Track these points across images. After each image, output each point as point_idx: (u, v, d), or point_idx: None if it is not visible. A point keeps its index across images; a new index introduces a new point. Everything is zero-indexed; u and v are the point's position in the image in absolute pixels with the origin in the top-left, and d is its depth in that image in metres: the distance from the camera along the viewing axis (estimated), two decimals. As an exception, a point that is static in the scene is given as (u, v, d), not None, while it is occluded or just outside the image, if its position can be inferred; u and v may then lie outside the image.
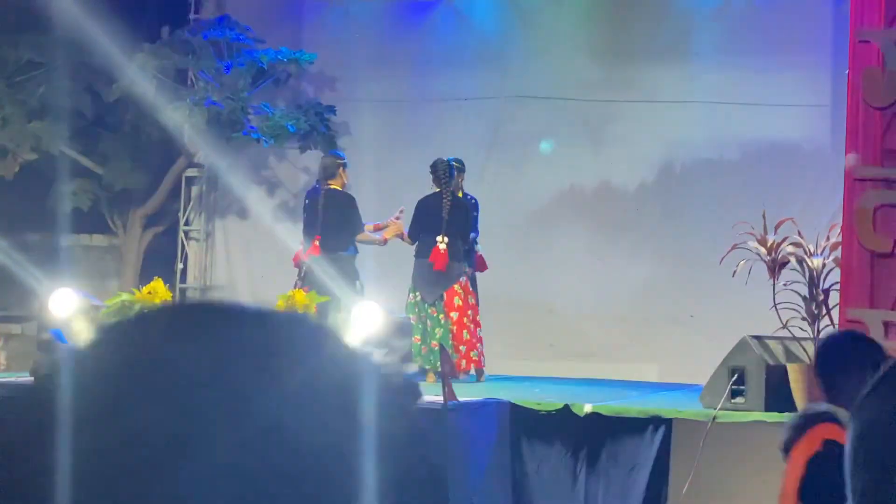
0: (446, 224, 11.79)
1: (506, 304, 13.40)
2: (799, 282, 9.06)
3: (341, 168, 12.04)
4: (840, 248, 8.77)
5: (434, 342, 11.61)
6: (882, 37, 8.54)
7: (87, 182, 15.72)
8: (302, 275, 11.63)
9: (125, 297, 8.85)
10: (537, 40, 14.90)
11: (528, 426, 9.15)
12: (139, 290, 8.88)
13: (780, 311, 8.80)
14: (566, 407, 9.11)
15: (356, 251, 11.95)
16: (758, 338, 9.18)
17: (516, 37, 15.07)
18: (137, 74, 14.60)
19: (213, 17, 15.36)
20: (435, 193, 11.94)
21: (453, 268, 11.82)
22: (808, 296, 8.97)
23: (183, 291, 15.57)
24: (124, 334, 0.97)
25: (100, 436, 0.88)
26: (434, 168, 12.06)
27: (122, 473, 0.87)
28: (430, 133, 14.91)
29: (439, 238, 11.77)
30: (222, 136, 14.73)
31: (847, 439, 1.29)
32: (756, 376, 8.88)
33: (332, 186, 11.92)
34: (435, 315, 11.83)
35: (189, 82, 15.36)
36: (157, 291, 8.73)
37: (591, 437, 9.06)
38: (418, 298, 11.87)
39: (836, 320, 8.71)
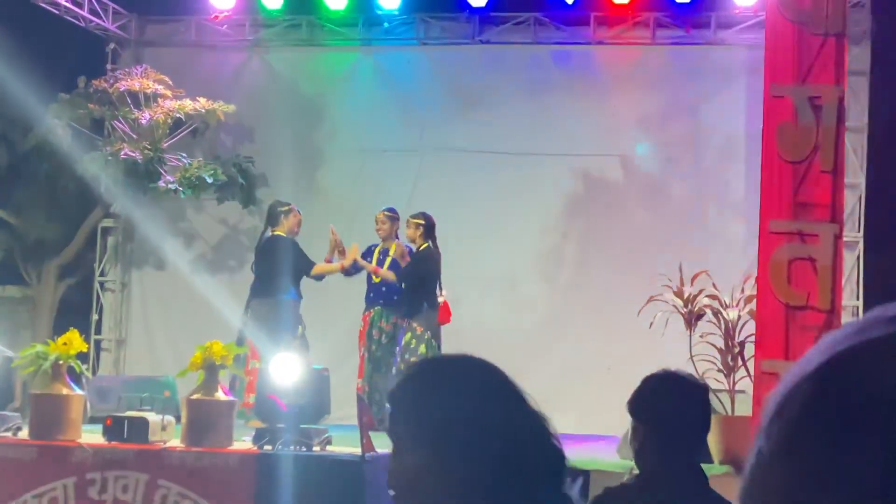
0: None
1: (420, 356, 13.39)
2: (715, 334, 9.14)
3: (283, 215, 12.10)
4: (755, 300, 8.85)
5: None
6: (795, 92, 8.67)
7: (0, 232, 15.56)
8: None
9: (39, 347, 8.73)
10: (456, 94, 14.99)
11: (446, 478, 9.11)
12: (53, 341, 8.76)
13: (696, 362, 8.86)
14: (484, 459, 9.10)
15: (298, 296, 11.97)
16: (674, 389, 9.22)
17: (435, 91, 15.15)
18: (53, 124, 14.50)
19: (130, 67, 15.28)
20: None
21: None
22: (723, 347, 9.04)
23: (98, 343, 15.41)
24: None
25: None
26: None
27: None
28: (349, 184, 14.92)
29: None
30: (139, 187, 14.63)
31: None
32: (673, 428, 8.91)
33: (275, 233, 12.02)
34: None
35: (105, 132, 15.26)
36: (73, 342, 8.63)
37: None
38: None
39: (751, 372, 8.79)
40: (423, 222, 12.18)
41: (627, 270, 13.66)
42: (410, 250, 12.26)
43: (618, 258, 14.22)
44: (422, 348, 11.92)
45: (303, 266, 11.99)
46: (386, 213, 12.49)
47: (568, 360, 13.98)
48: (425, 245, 12.13)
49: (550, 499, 2.31)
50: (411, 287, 12.04)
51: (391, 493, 2.31)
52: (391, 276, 12.10)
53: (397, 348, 11.99)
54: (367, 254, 12.39)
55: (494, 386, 2.37)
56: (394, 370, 11.88)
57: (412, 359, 11.91)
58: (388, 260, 12.27)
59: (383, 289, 12.25)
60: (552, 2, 14.71)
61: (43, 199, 15.57)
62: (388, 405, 2.34)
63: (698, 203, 14.30)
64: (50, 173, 15.28)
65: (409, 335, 11.97)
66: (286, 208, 12.18)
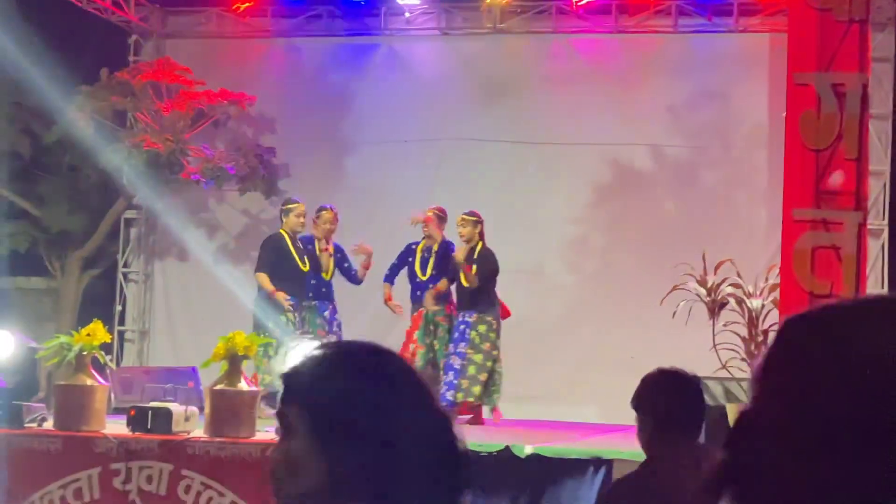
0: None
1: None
2: (738, 322, 9.12)
3: (283, 213, 12.28)
4: (779, 289, 8.82)
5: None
6: (818, 80, 8.64)
7: (24, 224, 15.61)
8: None
9: (63, 339, 8.76)
10: (477, 84, 14.96)
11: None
12: (77, 332, 8.79)
13: (719, 351, 8.85)
14: (507, 448, 9.09)
15: (264, 291, 11.97)
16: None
17: (456, 80, 15.12)
18: (76, 116, 14.53)
19: (152, 59, 15.31)
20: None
21: None
22: (747, 336, 9.02)
23: (121, 334, 15.45)
24: None
25: None
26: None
27: None
28: (371, 174, 14.91)
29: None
30: (161, 178, 14.67)
31: None
32: (696, 417, 8.89)
33: (279, 231, 12.26)
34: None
35: (128, 124, 15.29)
36: (96, 333, 8.65)
37: (532, 478, 9.04)
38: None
39: (775, 361, 8.75)
40: (480, 220, 12.12)
41: (651, 259, 13.62)
42: (449, 245, 12.25)
43: (640, 247, 14.18)
44: (497, 343, 11.89)
45: (260, 265, 12.12)
46: (436, 211, 12.45)
47: (592, 349, 13.96)
48: (482, 243, 12.09)
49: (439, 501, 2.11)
50: (485, 283, 12.01)
51: (273, 481, 2.18)
52: (475, 281, 12.05)
53: (462, 342, 11.88)
54: (409, 253, 12.38)
55: (394, 378, 2.18)
56: (458, 361, 11.85)
57: (488, 347, 11.81)
58: (433, 258, 12.24)
59: (430, 286, 12.21)
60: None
61: (66, 190, 15.62)
62: (280, 385, 2.18)
63: (723, 192, 14.25)
64: (73, 165, 15.32)
65: (483, 327, 11.86)
66: (287, 207, 12.34)
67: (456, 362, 11.76)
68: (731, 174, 14.27)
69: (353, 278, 12.41)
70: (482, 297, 11.98)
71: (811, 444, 1.18)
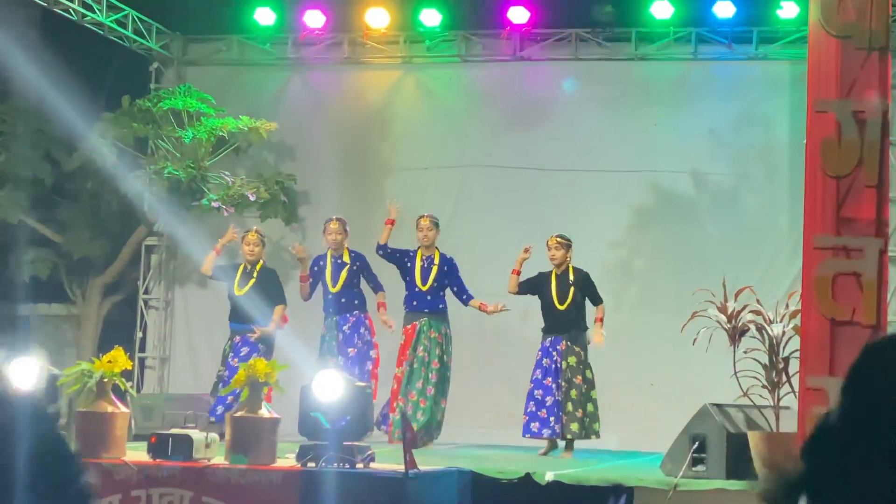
0: None
1: (465, 374, 13.29)
2: (759, 349, 9.08)
3: None
4: (799, 315, 8.80)
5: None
6: (839, 107, 8.63)
7: (45, 251, 15.66)
8: None
9: (85, 365, 8.78)
10: (498, 111, 14.98)
11: (489, 495, 9.12)
12: (98, 358, 8.81)
13: (740, 378, 8.82)
14: (527, 475, 9.09)
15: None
16: (718, 406, 9.19)
17: (476, 108, 15.14)
18: (97, 143, 14.59)
19: (173, 86, 15.36)
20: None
21: None
22: (768, 364, 8.99)
23: (142, 361, 15.48)
24: None
25: None
26: None
27: None
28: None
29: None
30: (182, 205, 14.70)
31: None
32: (717, 444, 8.88)
33: None
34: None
35: (149, 151, 15.34)
36: (117, 360, 8.68)
37: (553, 505, 9.03)
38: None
39: (796, 388, 8.73)
40: (571, 243, 12.03)
41: (670, 286, 13.60)
42: (450, 260, 12.23)
43: (660, 274, 14.15)
44: (588, 373, 11.75)
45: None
46: (431, 219, 12.41)
47: (616, 375, 13.89)
48: (572, 266, 12.02)
49: None
50: (579, 307, 11.91)
51: None
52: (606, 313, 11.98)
53: (540, 369, 11.80)
54: (406, 257, 12.31)
55: None
56: (550, 395, 11.67)
57: (580, 381, 11.69)
58: (435, 269, 12.19)
59: (429, 297, 12.16)
60: (593, 18, 14.68)
61: (87, 217, 15.67)
62: None
63: (742, 217, 14.22)
64: (94, 192, 15.38)
65: (573, 358, 11.73)
66: None
67: (546, 395, 11.66)
68: (753, 200, 14.23)
69: (377, 286, 12.43)
70: (578, 320, 11.89)
71: (889, 456, 1.19)
